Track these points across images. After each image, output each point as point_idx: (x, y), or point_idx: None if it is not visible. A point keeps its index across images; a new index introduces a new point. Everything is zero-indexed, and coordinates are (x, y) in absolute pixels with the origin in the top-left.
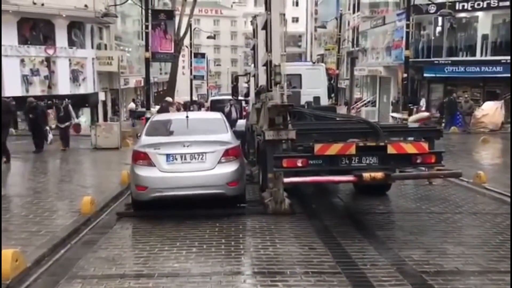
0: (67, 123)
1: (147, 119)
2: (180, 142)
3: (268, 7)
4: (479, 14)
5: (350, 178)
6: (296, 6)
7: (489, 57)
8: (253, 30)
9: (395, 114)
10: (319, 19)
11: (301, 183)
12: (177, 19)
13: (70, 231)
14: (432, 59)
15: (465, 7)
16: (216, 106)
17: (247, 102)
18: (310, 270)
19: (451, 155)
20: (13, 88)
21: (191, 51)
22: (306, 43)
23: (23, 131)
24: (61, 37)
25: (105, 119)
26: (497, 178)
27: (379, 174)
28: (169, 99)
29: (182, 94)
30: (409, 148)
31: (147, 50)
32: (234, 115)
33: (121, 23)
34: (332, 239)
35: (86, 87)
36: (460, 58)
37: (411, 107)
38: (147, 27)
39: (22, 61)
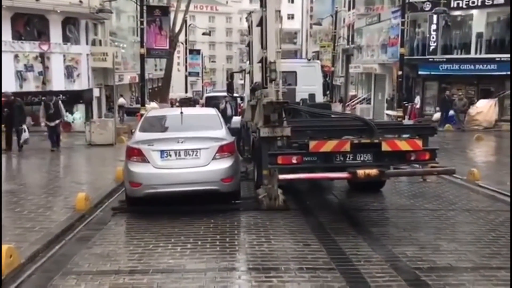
0: (57, 121)
1: (142, 115)
2: (174, 138)
3: (263, 4)
4: (474, 12)
5: (344, 175)
6: (291, 3)
7: (483, 55)
8: (248, 26)
9: (390, 112)
10: (315, 16)
11: (296, 179)
12: (172, 15)
13: (65, 227)
14: (427, 56)
15: (460, 5)
16: (211, 102)
17: (242, 99)
18: (305, 266)
19: (445, 152)
20: (7, 84)
21: (186, 48)
22: (302, 40)
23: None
24: (55, 33)
25: (99, 115)
26: (491, 175)
27: (373, 171)
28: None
29: (177, 90)
30: (403, 145)
31: (142, 46)
32: (229, 111)
33: (116, 19)
34: (326, 235)
35: (81, 83)
36: (454, 56)
37: (406, 104)
38: (142, 23)
39: (16, 56)
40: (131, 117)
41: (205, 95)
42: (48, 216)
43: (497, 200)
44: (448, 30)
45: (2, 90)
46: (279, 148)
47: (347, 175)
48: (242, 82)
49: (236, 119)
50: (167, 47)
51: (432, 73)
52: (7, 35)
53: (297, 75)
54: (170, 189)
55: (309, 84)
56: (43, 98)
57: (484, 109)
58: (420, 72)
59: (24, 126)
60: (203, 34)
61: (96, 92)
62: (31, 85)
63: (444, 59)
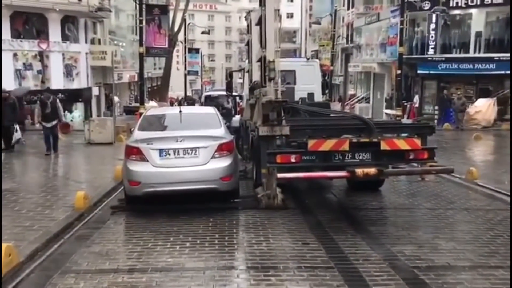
0: (54, 122)
1: (141, 114)
2: (173, 137)
3: (262, 3)
4: (473, 11)
5: (343, 173)
6: (291, 2)
7: (482, 54)
8: (247, 25)
9: (388, 111)
10: (314, 15)
11: (295, 178)
12: (171, 14)
13: (64, 226)
14: (426, 55)
15: (459, 4)
16: (210, 101)
17: (241, 97)
18: (303, 265)
19: (444, 151)
20: (6, 83)
21: (185, 46)
22: (301, 39)
23: None
24: (54, 32)
25: (98, 114)
26: (489, 174)
27: (372, 170)
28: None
29: (176, 89)
30: (402, 144)
31: (141, 45)
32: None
33: (115, 17)
34: (325, 234)
35: (80, 82)
36: (453, 55)
37: (405, 103)
38: (141, 21)
39: (15, 55)
40: (130, 116)
41: (204, 94)
42: (47, 215)
43: (495, 199)
44: (447, 29)
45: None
46: (278, 147)
47: (346, 174)
48: (241, 81)
49: (236, 118)
50: (166, 46)
51: (431, 72)
52: (6, 33)
53: (296, 74)
54: (169, 188)
55: (308, 83)
56: (41, 96)
57: (483, 108)
58: (419, 71)
59: (16, 126)
60: (202, 33)
61: (95, 91)
62: (30, 84)
63: (443, 58)
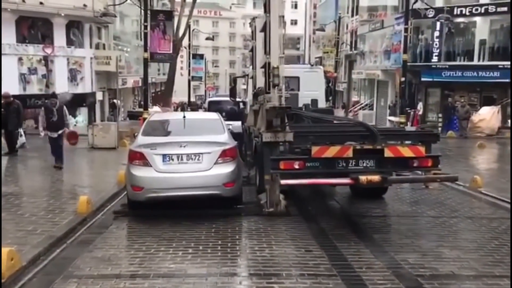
0: (60, 131)
1: (145, 119)
2: (177, 142)
3: (267, 9)
4: (477, 19)
5: (347, 181)
6: (295, 8)
7: (486, 62)
8: (252, 32)
9: (392, 118)
10: (318, 22)
11: (298, 185)
12: (176, 19)
13: (66, 231)
14: (430, 63)
15: (463, 12)
16: (214, 107)
17: (244, 103)
18: (306, 272)
19: (448, 159)
20: (11, 87)
21: (189, 52)
22: (305, 46)
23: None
24: (59, 36)
25: (102, 118)
26: (493, 182)
27: (375, 178)
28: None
29: (180, 94)
30: (406, 152)
31: (145, 50)
32: None
33: (120, 23)
34: (328, 241)
35: (84, 87)
36: (457, 63)
37: (408, 111)
38: (146, 27)
39: (20, 59)
40: (133, 121)
41: (208, 99)
42: (50, 219)
43: (499, 207)
44: (451, 37)
45: (4, 91)
46: (281, 153)
47: (350, 181)
48: (244, 87)
49: (239, 124)
50: (171, 52)
51: (435, 79)
52: (11, 38)
53: (300, 80)
54: (172, 194)
55: (311, 89)
56: (46, 100)
57: (487, 116)
58: (422, 79)
59: (21, 130)
60: (207, 39)
61: (99, 96)
62: (34, 88)
63: (447, 66)
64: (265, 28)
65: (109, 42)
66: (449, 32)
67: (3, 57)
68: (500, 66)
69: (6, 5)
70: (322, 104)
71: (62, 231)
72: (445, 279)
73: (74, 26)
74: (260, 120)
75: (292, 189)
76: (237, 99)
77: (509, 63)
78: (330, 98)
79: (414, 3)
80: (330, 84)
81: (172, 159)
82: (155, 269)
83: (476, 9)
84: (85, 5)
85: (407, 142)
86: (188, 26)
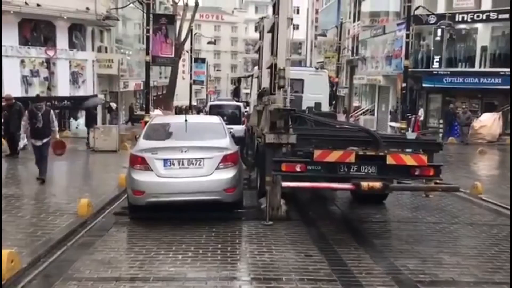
0: (45, 140)
1: (146, 122)
2: (178, 147)
3: (276, 11)
4: (479, 26)
5: (348, 186)
6: (297, 13)
7: (488, 69)
8: (260, 32)
9: (393, 124)
10: (320, 27)
11: (299, 188)
12: (178, 23)
13: (67, 233)
14: (431, 69)
15: (465, 19)
16: (215, 111)
17: (247, 104)
18: (306, 277)
19: (449, 165)
20: (13, 89)
21: (191, 56)
22: (306, 51)
23: None
24: (61, 39)
25: (103, 121)
26: (494, 189)
27: (377, 184)
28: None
29: (181, 98)
30: (408, 160)
31: (147, 54)
32: None
33: (122, 26)
34: (328, 246)
35: (86, 90)
36: (459, 69)
37: (410, 116)
38: (148, 31)
39: (22, 61)
40: (135, 124)
41: (209, 103)
42: (50, 222)
43: (500, 214)
44: (453, 43)
45: (6, 93)
46: (283, 155)
47: (351, 186)
48: (247, 90)
49: (240, 128)
50: (173, 55)
51: (436, 85)
52: (14, 40)
53: (304, 83)
54: (172, 198)
55: (315, 92)
56: (31, 105)
57: (488, 122)
58: (424, 85)
59: (22, 133)
60: (208, 43)
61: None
62: (36, 91)
63: (448, 72)
64: (273, 29)
65: (111, 45)
66: (451, 38)
67: (5, 59)
68: (501, 73)
69: (9, 7)
70: (325, 107)
71: (62, 233)
72: (445, 285)
73: (76, 29)
74: (264, 121)
75: (293, 192)
76: (241, 100)
77: (510, 69)
78: (334, 102)
79: (416, 9)
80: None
81: (173, 164)
82: (155, 273)
83: (478, 16)
84: (87, 8)
85: (409, 150)
86: (190, 30)
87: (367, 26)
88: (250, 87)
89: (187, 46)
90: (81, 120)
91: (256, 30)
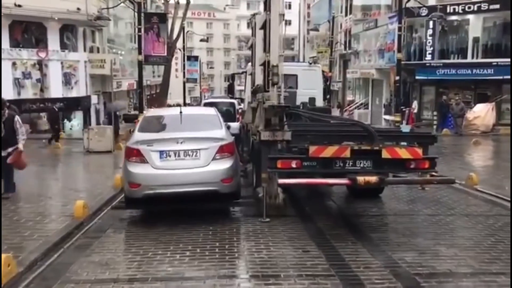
0: (10, 149)
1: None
2: (174, 138)
3: (267, 7)
4: (470, 17)
5: (344, 181)
6: (289, 9)
7: (480, 60)
8: (252, 28)
9: (387, 117)
10: (312, 22)
11: (295, 184)
12: (170, 22)
13: (63, 235)
14: (424, 61)
15: (456, 10)
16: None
17: (242, 100)
18: (304, 273)
19: (444, 157)
20: (5, 92)
21: (184, 54)
22: (299, 46)
23: None
24: (53, 40)
25: (97, 122)
26: (489, 180)
27: (373, 178)
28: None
29: (175, 97)
30: (403, 153)
31: (140, 53)
32: None
33: (113, 26)
34: (325, 241)
35: (79, 90)
36: (451, 61)
37: (403, 109)
38: (139, 30)
39: (14, 64)
40: (128, 124)
41: (204, 101)
42: (46, 224)
43: (496, 204)
44: (445, 35)
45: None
46: (279, 152)
47: (347, 181)
48: (241, 87)
49: (235, 125)
50: (165, 54)
51: (429, 77)
52: (5, 42)
53: (298, 78)
54: (169, 190)
55: (309, 87)
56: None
57: (482, 113)
58: (417, 77)
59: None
60: (201, 40)
61: (94, 99)
62: (29, 93)
63: (441, 64)
64: (265, 26)
65: (103, 45)
66: (443, 30)
67: None
68: (493, 63)
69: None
70: (319, 102)
71: (59, 236)
72: (443, 277)
73: (67, 29)
74: (258, 118)
75: (289, 189)
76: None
77: (502, 60)
78: (328, 97)
79: (407, 2)
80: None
81: (169, 156)
82: (153, 273)
83: (469, 7)
84: (78, 9)
85: (404, 143)
86: (182, 28)
87: (359, 20)
88: (244, 84)
89: (179, 44)
90: (75, 121)
91: (248, 27)
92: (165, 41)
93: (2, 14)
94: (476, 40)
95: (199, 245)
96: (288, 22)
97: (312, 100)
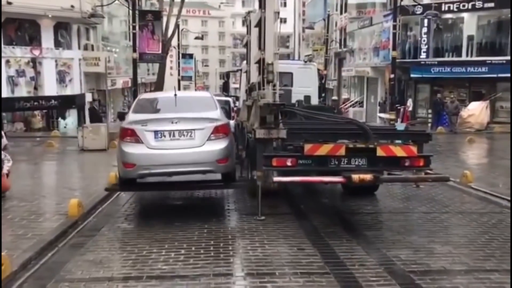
0: None
1: None
2: (169, 118)
3: (262, 5)
4: (465, 15)
5: (339, 179)
6: (284, 6)
7: (474, 58)
8: (247, 26)
9: (382, 115)
10: (307, 20)
11: (290, 182)
12: (164, 19)
13: (57, 234)
14: (419, 59)
15: (451, 8)
16: None
17: (237, 98)
18: (299, 271)
19: (438, 155)
20: None
21: (179, 52)
22: (294, 44)
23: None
24: (47, 38)
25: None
26: (483, 177)
27: (367, 176)
28: None
29: None
30: (398, 151)
31: (134, 51)
32: None
33: (108, 23)
34: (320, 239)
35: (73, 88)
36: (446, 59)
37: (398, 107)
38: (134, 27)
39: (8, 62)
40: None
41: None
42: (41, 223)
43: (490, 202)
44: (440, 33)
45: None
46: (274, 150)
47: (342, 179)
48: (236, 85)
49: (230, 123)
50: (160, 52)
51: (424, 76)
52: None
53: (293, 76)
54: (164, 170)
55: (305, 86)
56: None
57: (476, 111)
58: (412, 75)
59: (2, 132)
60: (196, 38)
61: (88, 97)
62: (22, 91)
63: (436, 62)
64: (260, 24)
65: (98, 43)
66: (437, 28)
67: None
68: (488, 61)
69: None
70: (315, 100)
71: (53, 234)
72: (437, 274)
73: (62, 27)
74: (254, 116)
75: (284, 187)
76: (230, 95)
77: (497, 58)
78: (323, 95)
79: (402, 0)
80: (323, 81)
81: (164, 136)
82: (148, 271)
83: (464, 5)
84: (72, 6)
85: (399, 141)
86: (177, 25)
87: (354, 18)
88: (239, 81)
89: (174, 42)
90: (69, 119)
91: (243, 25)
92: (159, 39)
93: None
94: (470, 38)
95: (194, 243)
96: (283, 20)
97: (307, 98)
